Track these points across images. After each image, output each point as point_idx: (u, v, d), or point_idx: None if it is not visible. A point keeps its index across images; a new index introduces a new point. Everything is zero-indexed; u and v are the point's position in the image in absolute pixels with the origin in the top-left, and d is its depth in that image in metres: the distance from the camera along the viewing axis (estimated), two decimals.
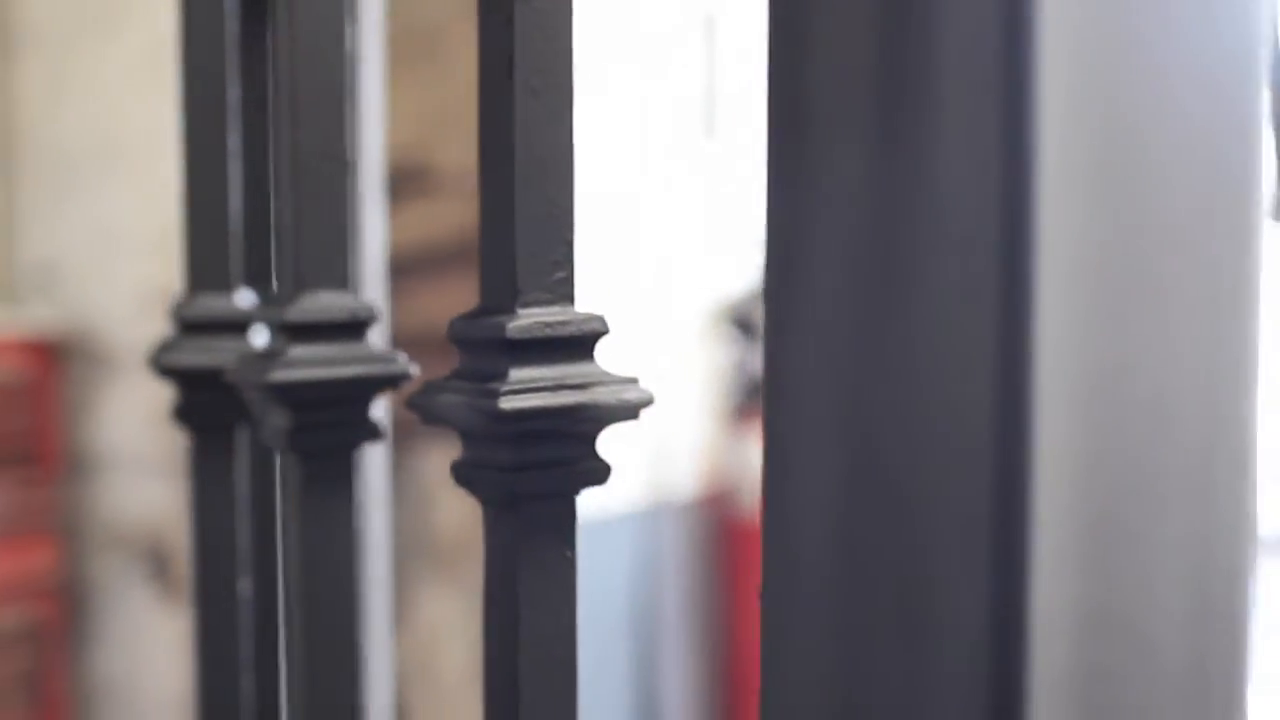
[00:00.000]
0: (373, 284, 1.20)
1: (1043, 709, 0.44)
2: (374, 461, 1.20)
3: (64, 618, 3.28)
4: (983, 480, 0.45)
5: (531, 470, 0.69)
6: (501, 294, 0.70)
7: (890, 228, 0.47)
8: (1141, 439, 0.45)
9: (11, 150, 3.33)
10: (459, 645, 3.51)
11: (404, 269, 2.90)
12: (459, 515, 3.36)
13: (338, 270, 0.84)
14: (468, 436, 0.71)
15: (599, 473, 0.71)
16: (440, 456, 2.86)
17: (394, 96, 2.99)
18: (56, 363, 3.23)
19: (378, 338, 1.21)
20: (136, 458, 3.25)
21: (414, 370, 0.86)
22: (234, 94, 1.00)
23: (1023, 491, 0.44)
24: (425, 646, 3.18)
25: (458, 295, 2.86)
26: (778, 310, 0.52)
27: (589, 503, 3.84)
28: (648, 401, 0.71)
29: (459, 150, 3.28)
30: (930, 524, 0.46)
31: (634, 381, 0.71)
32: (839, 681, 0.49)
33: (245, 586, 1.01)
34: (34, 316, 3.29)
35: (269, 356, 0.83)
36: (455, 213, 3.32)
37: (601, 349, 0.74)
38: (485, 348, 0.70)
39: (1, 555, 3.12)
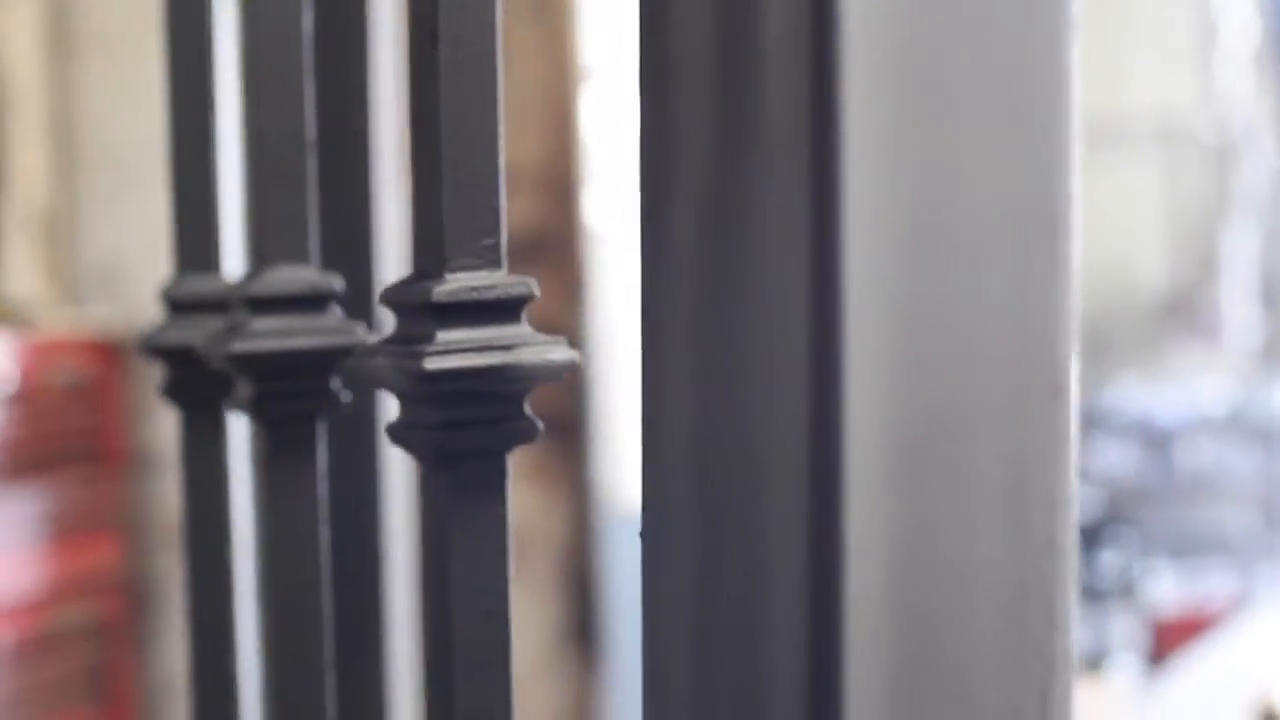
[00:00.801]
0: (390, 272, 1.23)
1: (859, 619, 0.46)
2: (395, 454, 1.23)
3: (129, 614, 3.34)
4: (800, 416, 0.47)
5: (460, 429, 0.72)
6: (430, 260, 0.72)
7: (726, 190, 0.50)
8: (952, 373, 0.47)
9: (73, 152, 3.39)
10: (526, 636, 3.54)
11: None
12: (525, 506, 3.39)
13: (298, 245, 0.87)
14: (400, 398, 0.74)
15: (527, 432, 0.74)
16: None
17: None
18: (119, 362, 3.29)
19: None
20: None
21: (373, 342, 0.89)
22: (220, 75, 1.03)
23: (835, 425, 0.46)
24: None
25: None
26: (647, 264, 0.55)
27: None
28: (572, 362, 0.73)
29: (523, 147, 3.32)
30: (760, 459, 0.48)
31: (560, 343, 0.73)
32: (698, 607, 0.52)
33: (237, 560, 1.04)
34: (96, 317, 3.35)
35: (233, 330, 0.87)
36: (523, 207, 3.36)
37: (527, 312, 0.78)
38: (414, 312, 0.72)
39: (67, 552, 3.18)
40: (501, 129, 0.73)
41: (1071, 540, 0.49)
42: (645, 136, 0.55)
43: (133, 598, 3.36)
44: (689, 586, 0.52)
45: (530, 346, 0.72)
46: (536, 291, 0.74)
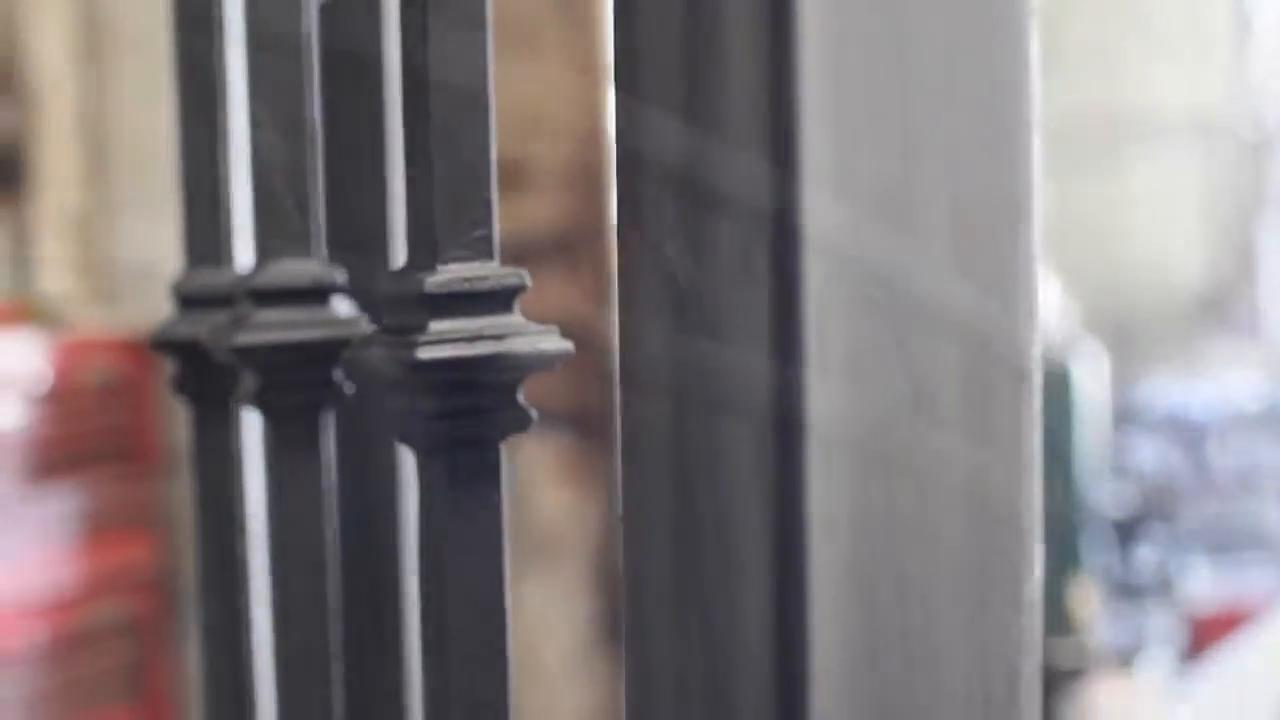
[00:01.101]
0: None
1: (824, 596, 0.47)
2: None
3: (163, 611, 3.36)
4: (763, 402, 0.48)
5: (453, 418, 0.73)
6: (424, 252, 0.73)
7: (694, 183, 0.50)
8: (913, 357, 0.48)
9: (104, 151, 3.41)
10: (561, 635, 3.54)
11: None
12: (557, 506, 3.40)
13: (300, 238, 0.88)
14: (394, 388, 0.74)
15: (520, 421, 0.75)
16: (536, 448, 2.90)
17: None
18: (150, 361, 3.30)
19: None
20: None
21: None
22: (228, 70, 1.04)
23: (797, 410, 0.47)
24: (526, 638, 3.22)
25: (554, 286, 2.89)
26: (623, 242, 0.55)
27: None
28: (565, 352, 0.74)
29: (549, 145, 3.32)
30: (728, 444, 0.49)
31: (552, 332, 0.74)
32: (675, 582, 0.52)
33: (251, 553, 1.05)
34: (128, 316, 3.36)
35: (236, 322, 0.88)
36: (551, 206, 3.36)
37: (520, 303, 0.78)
38: (407, 303, 0.73)
39: (100, 550, 3.20)
40: (493, 122, 0.74)
41: (1035, 523, 0.50)
42: (621, 133, 0.55)
43: (166, 595, 3.37)
44: (665, 569, 0.53)
45: (522, 336, 0.73)
46: (529, 282, 0.74)
